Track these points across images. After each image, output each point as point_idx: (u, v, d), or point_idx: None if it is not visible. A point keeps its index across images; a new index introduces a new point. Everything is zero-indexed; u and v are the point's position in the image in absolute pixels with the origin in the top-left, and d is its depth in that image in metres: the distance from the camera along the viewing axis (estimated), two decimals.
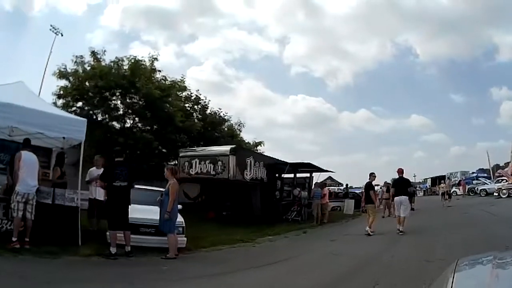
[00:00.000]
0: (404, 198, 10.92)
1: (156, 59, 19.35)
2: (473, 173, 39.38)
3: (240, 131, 25.84)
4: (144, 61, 18.90)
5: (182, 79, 21.16)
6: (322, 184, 17.94)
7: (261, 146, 27.58)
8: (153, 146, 17.65)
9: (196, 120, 20.53)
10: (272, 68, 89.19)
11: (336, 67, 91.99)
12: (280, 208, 16.04)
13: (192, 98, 22.60)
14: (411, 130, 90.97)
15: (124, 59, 18.41)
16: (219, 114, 23.76)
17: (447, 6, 74.15)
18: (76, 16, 60.35)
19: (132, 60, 18.41)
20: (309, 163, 17.83)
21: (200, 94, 22.89)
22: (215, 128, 22.91)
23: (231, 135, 24.07)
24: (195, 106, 22.67)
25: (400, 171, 11.39)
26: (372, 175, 11.76)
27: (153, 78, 19.30)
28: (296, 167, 17.79)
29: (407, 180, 11.92)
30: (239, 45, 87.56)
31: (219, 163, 14.09)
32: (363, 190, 13.79)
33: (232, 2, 79.56)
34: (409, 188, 12.70)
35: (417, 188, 52.34)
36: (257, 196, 15.23)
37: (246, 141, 26.42)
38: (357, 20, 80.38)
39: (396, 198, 11.13)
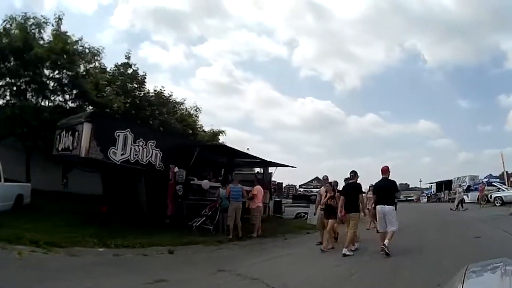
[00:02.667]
0: (389, 208, 7.64)
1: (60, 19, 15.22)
2: (485, 178, 33.01)
3: (197, 116, 22.11)
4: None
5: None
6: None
7: (222, 135, 23.44)
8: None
9: (115, 96, 15.83)
10: (280, 70, 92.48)
11: (344, 71, 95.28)
12: (183, 209, 11.22)
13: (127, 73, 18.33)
14: (418, 135, 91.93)
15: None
16: (162, 94, 19.43)
17: (455, 11, 75.79)
18: (87, 16, 59.70)
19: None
20: (241, 151, 13.24)
21: (138, 70, 18.78)
22: (153, 108, 18.49)
23: (180, 120, 19.91)
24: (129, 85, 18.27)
25: (385, 170, 7.98)
26: (356, 175, 8.47)
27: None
28: (221, 152, 12.99)
29: (393, 183, 8.06)
30: (248, 47, 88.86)
31: (76, 134, 9.76)
32: (341, 193, 9.07)
33: (241, 4, 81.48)
34: (396, 194, 8.50)
35: (423, 194, 49.05)
36: (142, 188, 10.61)
37: (202, 129, 22.32)
38: (365, 24, 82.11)
39: (378, 207, 7.83)
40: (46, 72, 14.81)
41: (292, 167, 18.57)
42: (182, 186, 11.47)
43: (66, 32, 15.08)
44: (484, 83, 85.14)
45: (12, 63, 13.86)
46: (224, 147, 13.42)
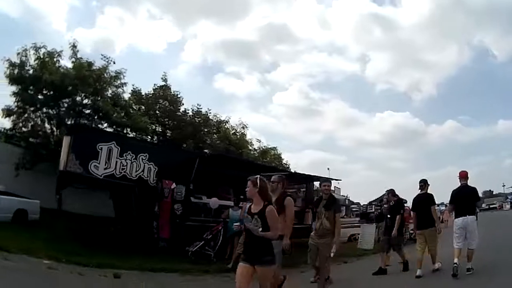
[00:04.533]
0: (471, 219, 6.56)
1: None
2: None
3: (244, 134, 21.10)
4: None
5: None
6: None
7: (273, 151, 21.68)
8: None
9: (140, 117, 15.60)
10: (355, 87, 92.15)
11: (418, 79, 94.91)
12: (182, 231, 9.68)
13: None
14: (499, 137, 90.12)
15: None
16: (199, 111, 18.78)
17: None
18: (157, 54, 64.89)
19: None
20: (259, 164, 11.37)
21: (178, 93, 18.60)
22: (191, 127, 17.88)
23: (224, 138, 19.07)
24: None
25: (464, 175, 6.83)
26: (427, 184, 7.31)
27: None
28: (226, 165, 11.23)
29: (473, 190, 6.80)
30: (321, 67, 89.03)
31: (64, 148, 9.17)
32: (410, 207, 8.35)
33: (308, 27, 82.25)
34: (477, 202, 7.53)
35: (506, 200, 43.10)
36: (131, 206, 9.43)
37: (252, 148, 20.94)
38: (431, 28, 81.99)
39: (458, 220, 6.72)
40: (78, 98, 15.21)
41: (337, 180, 16.52)
42: (182, 204, 9.94)
43: (81, 58, 15.23)
44: None
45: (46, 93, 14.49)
46: (233, 159, 11.57)
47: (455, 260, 6.22)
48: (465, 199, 6.68)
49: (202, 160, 10.48)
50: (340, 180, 19.74)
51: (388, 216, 7.80)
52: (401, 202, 8.12)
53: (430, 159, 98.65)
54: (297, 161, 62.50)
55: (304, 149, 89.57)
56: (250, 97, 79.61)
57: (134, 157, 9.68)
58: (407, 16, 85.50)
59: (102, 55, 16.74)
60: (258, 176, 3.84)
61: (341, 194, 41.34)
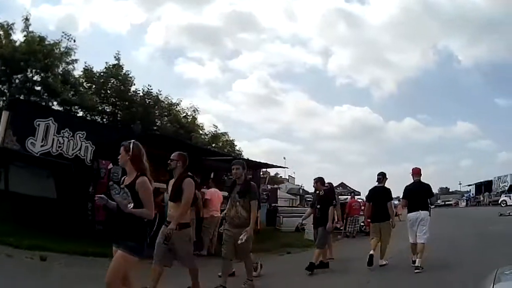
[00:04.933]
0: (424, 214, 6.69)
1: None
2: None
3: (195, 118, 21.56)
4: None
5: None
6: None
7: (225, 137, 22.47)
8: None
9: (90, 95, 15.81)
10: (316, 80, 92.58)
11: (380, 77, 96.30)
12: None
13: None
14: (457, 138, 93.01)
15: None
16: (150, 92, 19.06)
17: (486, 9, 75.28)
18: (120, 35, 62.42)
19: None
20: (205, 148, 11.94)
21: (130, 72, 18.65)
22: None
23: (174, 121, 19.55)
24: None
25: (417, 172, 6.99)
26: (385, 177, 7.39)
27: None
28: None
29: (427, 186, 6.99)
30: (283, 58, 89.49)
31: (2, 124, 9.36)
32: (365, 199, 8.67)
33: (274, 17, 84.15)
34: (431, 199, 7.36)
35: (462, 197, 44.90)
36: (67, 186, 9.53)
37: (202, 132, 21.57)
38: (398, 28, 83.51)
39: (411, 215, 6.80)
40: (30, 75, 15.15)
41: (284, 167, 17.62)
42: (119, 186, 10.31)
43: (33, 32, 15.21)
44: None
45: None
46: (172, 140, 11.89)
47: (413, 258, 6.49)
48: (419, 195, 6.77)
49: (140, 140, 10.97)
50: (287, 168, 20.73)
51: (318, 206, 7.10)
52: (332, 192, 7.42)
53: (387, 154, 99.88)
54: (252, 150, 63.54)
55: (261, 138, 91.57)
56: (210, 83, 78.96)
57: (71, 134, 9.75)
58: (374, 15, 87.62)
59: (63, 32, 16.43)
60: (133, 140, 3.48)
61: (296, 183, 43.06)
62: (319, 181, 7.25)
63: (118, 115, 17.68)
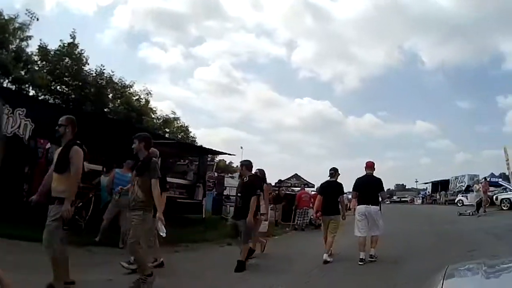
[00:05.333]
0: (374, 208, 6.67)
1: None
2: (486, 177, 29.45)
3: (148, 101, 21.27)
4: None
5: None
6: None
7: (177, 122, 22.91)
8: None
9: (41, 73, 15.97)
10: (279, 71, 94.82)
11: (343, 72, 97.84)
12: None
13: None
14: (416, 136, 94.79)
15: None
16: (102, 72, 18.84)
17: (455, 12, 76.54)
18: (87, 16, 59.72)
19: None
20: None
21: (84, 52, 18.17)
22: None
23: (125, 103, 19.37)
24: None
25: (370, 165, 7.03)
26: (337, 172, 7.29)
27: None
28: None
29: (378, 181, 6.95)
30: (247, 48, 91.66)
31: None
32: (318, 192, 8.07)
33: (240, 6, 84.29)
34: (381, 193, 7.19)
35: (418, 195, 45.85)
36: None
37: (155, 116, 21.86)
38: (365, 25, 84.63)
39: (360, 207, 6.75)
40: None
41: (232, 154, 17.93)
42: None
43: None
44: (483, 84, 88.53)
45: None
46: (110, 121, 12.02)
47: (361, 255, 6.27)
48: (369, 188, 6.70)
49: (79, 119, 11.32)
50: (234, 155, 20.40)
51: (239, 195, 6.28)
52: (259, 179, 6.57)
53: (346, 148, 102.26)
54: (211, 138, 63.30)
55: (220, 126, 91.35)
56: (171, 69, 78.71)
57: (11, 111, 9.18)
58: (342, 10, 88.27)
59: (26, 10, 15.96)
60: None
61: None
62: (244, 165, 6.38)
63: (72, 96, 17.36)
